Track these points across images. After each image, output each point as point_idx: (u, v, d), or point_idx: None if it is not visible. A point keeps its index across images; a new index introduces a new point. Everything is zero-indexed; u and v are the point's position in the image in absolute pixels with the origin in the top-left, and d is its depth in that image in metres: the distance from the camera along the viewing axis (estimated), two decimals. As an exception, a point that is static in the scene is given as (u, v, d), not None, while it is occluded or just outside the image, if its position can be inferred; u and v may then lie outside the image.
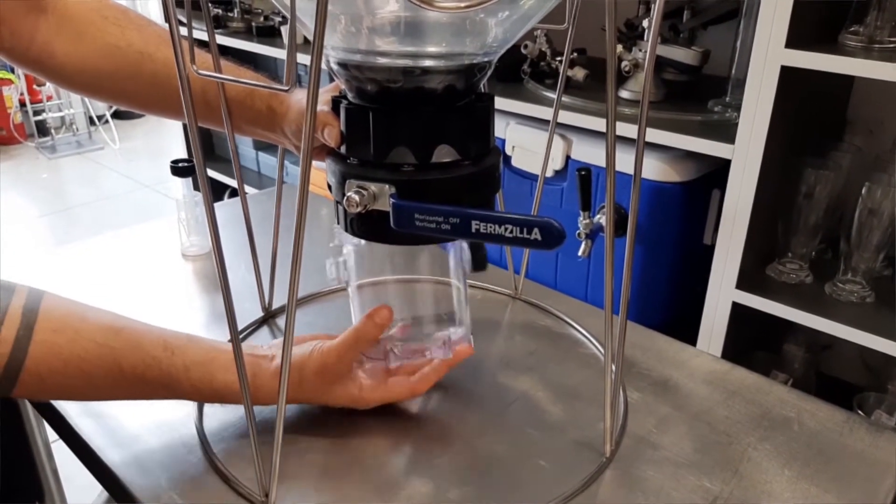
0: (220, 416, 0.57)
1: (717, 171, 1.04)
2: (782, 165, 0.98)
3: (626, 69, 1.15)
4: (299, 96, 0.58)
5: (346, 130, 0.50)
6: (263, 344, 0.58)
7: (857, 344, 0.92)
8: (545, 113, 1.15)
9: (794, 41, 0.87)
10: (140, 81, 0.60)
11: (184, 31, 0.42)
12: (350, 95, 0.50)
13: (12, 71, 3.44)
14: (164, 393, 0.51)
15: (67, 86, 0.62)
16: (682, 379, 0.64)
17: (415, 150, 0.48)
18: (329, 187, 0.52)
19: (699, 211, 1.10)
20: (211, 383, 0.51)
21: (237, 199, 0.69)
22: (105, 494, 0.82)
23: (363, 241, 0.58)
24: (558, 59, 1.28)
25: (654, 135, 1.02)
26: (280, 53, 1.68)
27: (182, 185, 0.84)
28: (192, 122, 0.42)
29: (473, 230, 0.45)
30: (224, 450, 0.53)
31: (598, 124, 1.09)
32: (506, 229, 0.44)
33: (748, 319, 1.03)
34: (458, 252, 0.58)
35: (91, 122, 3.69)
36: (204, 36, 0.53)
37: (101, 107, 3.70)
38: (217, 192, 2.13)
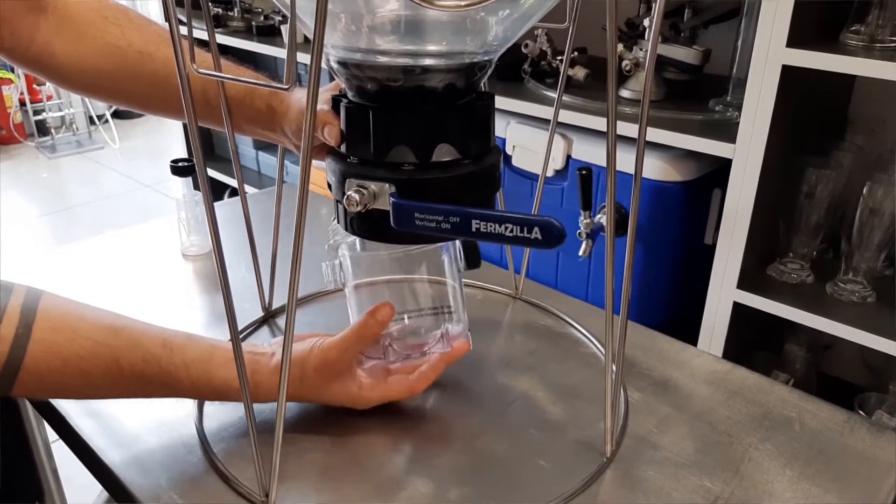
0: (220, 416, 0.57)
1: (718, 171, 1.04)
2: (783, 165, 0.98)
3: (627, 68, 1.14)
4: (299, 95, 0.58)
5: (346, 129, 0.50)
6: (264, 343, 0.58)
7: (859, 344, 0.92)
8: (546, 112, 1.15)
9: (795, 40, 0.86)
10: (140, 81, 0.60)
11: (184, 30, 0.42)
12: (350, 94, 0.50)
13: (12, 70, 3.44)
14: (164, 391, 0.51)
15: (67, 86, 0.62)
16: (682, 379, 0.63)
17: (415, 149, 0.47)
18: (329, 186, 0.52)
19: (700, 210, 1.10)
20: (210, 381, 0.51)
21: (237, 199, 0.69)
22: (105, 494, 0.82)
23: (358, 244, 0.58)
24: (559, 58, 1.28)
25: (654, 134, 1.02)
26: (280, 52, 1.68)
27: (182, 184, 0.84)
28: (193, 121, 0.42)
29: (474, 229, 0.45)
30: (224, 450, 0.53)
31: (599, 123, 1.09)
32: (506, 228, 0.44)
33: (749, 319, 1.03)
34: (452, 250, 0.58)
35: (91, 121, 3.69)
36: (204, 35, 0.53)
37: (100, 106, 3.70)
38: (217, 191, 2.12)
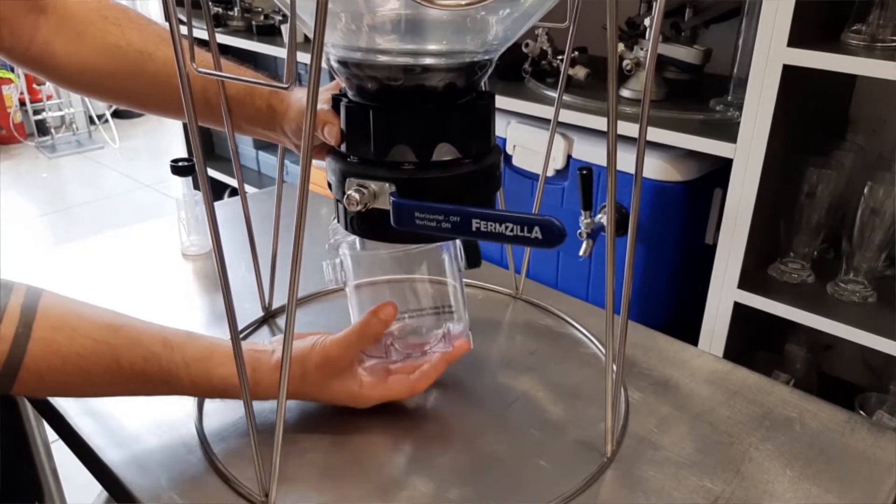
0: (220, 416, 0.57)
1: (718, 171, 1.04)
2: (784, 164, 0.98)
3: (628, 68, 1.14)
4: (299, 95, 0.58)
5: (346, 129, 0.49)
6: (264, 342, 0.57)
7: (859, 344, 0.92)
8: (546, 112, 1.15)
9: (796, 40, 0.86)
10: (140, 81, 0.60)
11: (184, 29, 0.42)
12: (350, 93, 0.50)
13: (12, 70, 3.44)
14: (164, 389, 0.51)
15: (67, 85, 0.62)
16: (683, 379, 0.63)
17: (415, 149, 0.47)
18: (329, 186, 0.52)
19: (701, 210, 1.10)
20: (210, 379, 0.51)
21: (237, 199, 0.69)
22: (105, 494, 0.82)
23: (358, 243, 0.58)
24: (559, 57, 1.28)
25: (655, 134, 1.02)
26: (280, 52, 1.68)
27: (182, 184, 0.84)
28: (193, 121, 0.42)
29: (474, 229, 0.45)
30: (224, 450, 0.53)
31: (600, 123, 1.09)
32: (506, 228, 0.44)
33: (750, 319, 1.03)
34: (452, 249, 0.58)
35: (91, 121, 3.69)
36: (204, 35, 0.53)
37: (100, 106, 3.69)
38: (217, 191, 2.12)
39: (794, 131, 0.97)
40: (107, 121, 3.69)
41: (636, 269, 1.04)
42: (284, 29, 1.73)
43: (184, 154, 2.20)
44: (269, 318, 0.71)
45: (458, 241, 0.59)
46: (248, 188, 0.81)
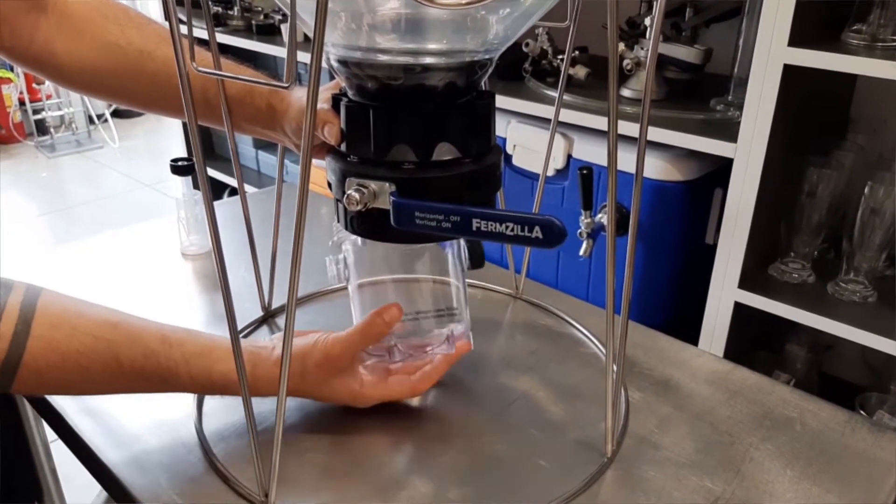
0: (220, 416, 0.57)
1: (719, 170, 1.03)
2: (785, 164, 0.98)
3: (628, 67, 1.14)
4: (299, 94, 0.58)
5: (346, 128, 0.49)
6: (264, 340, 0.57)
7: (860, 344, 0.92)
8: (546, 111, 1.15)
9: (796, 39, 0.86)
10: (140, 80, 0.60)
11: (184, 29, 0.42)
12: (350, 93, 0.50)
13: (12, 69, 3.43)
14: (163, 386, 0.51)
15: (67, 84, 0.62)
16: (683, 379, 0.63)
17: (415, 148, 0.47)
18: (329, 185, 0.51)
19: (701, 210, 1.10)
20: (210, 375, 0.51)
21: (237, 198, 0.69)
22: (104, 494, 0.82)
23: (361, 240, 0.57)
24: (560, 57, 1.27)
25: (655, 133, 1.02)
26: (280, 52, 1.67)
27: (182, 183, 0.84)
28: (193, 120, 0.42)
29: (474, 228, 0.45)
30: (224, 450, 0.53)
31: (600, 123, 1.09)
32: (507, 227, 0.44)
33: (750, 319, 1.03)
34: (456, 249, 0.58)
35: (90, 120, 3.69)
36: (204, 34, 0.53)
37: (100, 105, 3.69)
38: (217, 190, 2.12)
39: (795, 131, 0.97)
40: (106, 120, 3.69)
41: (636, 268, 1.04)
42: (284, 28, 1.73)
43: (183, 154, 2.20)
44: (268, 317, 0.71)
45: (461, 241, 0.59)
46: (248, 188, 0.81)
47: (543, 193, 0.72)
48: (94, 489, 0.75)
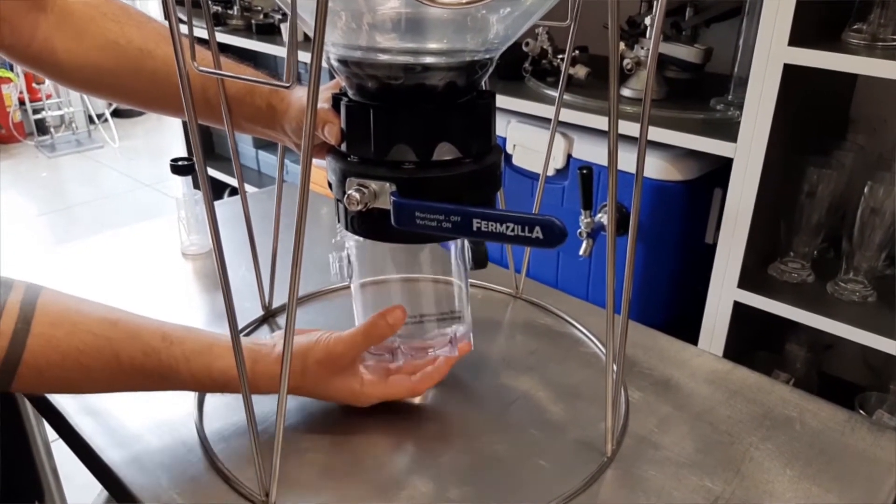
0: (220, 415, 0.57)
1: (719, 170, 1.03)
2: (784, 164, 0.98)
3: (628, 67, 1.14)
4: (300, 94, 0.57)
5: (346, 128, 0.49)
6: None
7: (859, 343, 0.92)
8: (546, 111, 1.15)
9: (796, 39, 0.86)
10: (140, 78, 0.60)
11: (184, 28, 0.42)
12: (350, 93, 0.50)
13: (12, 69, 3.44)
14: (163, 384, 0.51)
15: (67, 83, 0.62)
16: (683, 378, 0.63)
17: (416, 148, 0.47)
18: (329, 185, 0.51)
19: (701, 210, 1.10)
20: (210, 372, 0.51)
21: (237, 198, 0.69)
22: (105, 494, 0.82)
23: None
24: (560, 56, 1.27)
25: (655, 133, 1.02)
26: (279, 51, 1.67)
27: (182, 183, 0.84)
28: (192, 120, 0.42)
29: (475, 228, 0.45)
30: (224, 449, 0.53)
31: (600, 123, 1.09)
32: (507, 227, 0.44)
33: (750, 319, 1.03)
34: (458, 250, 0.58)
35: (90, 120, 3.69)
36: (204, 34, 0.53)
37: (100, 105, 3.69)
38: (217, 190, 2.12)
39: (795, 131, 0.97)
40: (106, 120, 3.69)
41: (636, 268, 1.04)
42: (284, 28, 1.73)
43: (183, 153, 2.20)
44: (269, 317, 0.71)
45: (465, 242, 0.59)
46: (248, 187, 0.81)
47: (543, 193, 0.72)
48: (95, 489, 0.75)
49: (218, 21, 1.84)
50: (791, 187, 0.99)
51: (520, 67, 1.29)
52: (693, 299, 1.09)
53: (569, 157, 1.14)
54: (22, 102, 3.46)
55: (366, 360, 0.57)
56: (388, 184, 0.47)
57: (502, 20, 0.47)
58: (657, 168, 1.03)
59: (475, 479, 0.51)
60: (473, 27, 0.47)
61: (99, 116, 3.69)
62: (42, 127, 3.54)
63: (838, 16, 0.93)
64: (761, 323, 1.03)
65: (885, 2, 0.90)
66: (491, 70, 0.50)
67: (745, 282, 1.00)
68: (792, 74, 0.88)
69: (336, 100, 0.50)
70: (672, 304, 1.15)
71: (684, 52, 1.15)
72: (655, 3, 1.00)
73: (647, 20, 1.14)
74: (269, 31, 1.79)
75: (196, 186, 0.79)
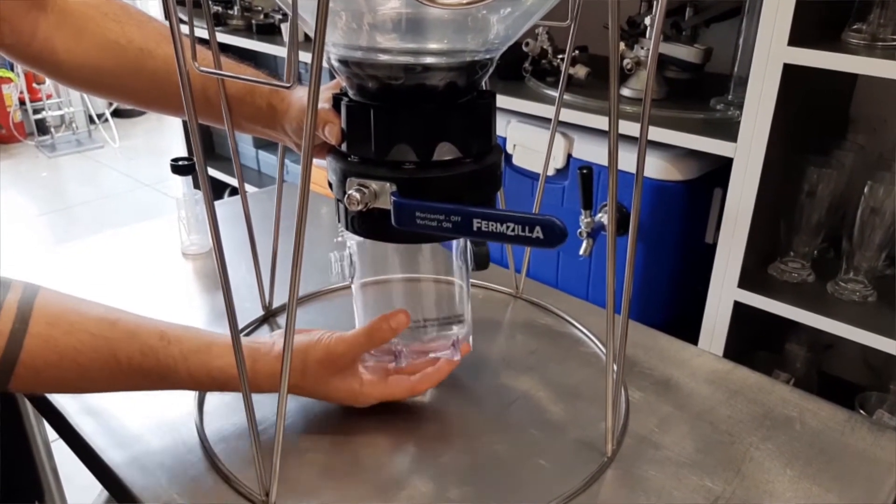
0: (221, 415, 0.57)
1: (719, 170, 1.03)
2: (784, 164, 0.98)
3: (629, 67, 1.14)
4: (300, 93, 0.57)
5: (346, 128, 0.49)
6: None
7: (859, 343, 0.92)
8: (547, 111, 1.15)
9: (796, 39, 0.86)
10: (140, 78, 0.60)
11: (185, 28, 0.42)
12: (351, 93, 0.50)
13: (12, 69, 3.44)
14: (161, 383, 0.51)
15: (68, 82, 0.62)
16: (683, 378, 0.63)
17: (416, 148, 0.47)
18: (330, 185, 0.51)
19: (701, 210, 1.10)
20: (209, 370, 0.51)
21: (237, 198, 0.69)
22: (105, 494, 0.82)
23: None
24: (560, 56, 1.27)
25: (655, 133, 1.02)
26: (280, 51, 1.67)
27: (182, 183, 0.84)
28: (193, 119, 0.42)
29: (475, 228, 0.45)
30: (224, 449, 0.53)
31: (600, 122, 1.09)
32: (507, 227, 0.44)
33: (750, 319, 1.03)
34: (460, 250, 0.58)
35: (91, 120, 3.69)
36: (204, 34, 0.53)
37: (100, 105, 3.69)
38: (217, 190, 2.12)
39: (795, 130, 0.97)
40: (107, 120, 3.69)
41: (636, 268, 1.04)
42: (284, 28, 1.73)
43: (184, 153, 2.20)
44: (269, 317, 0.71)
45: (468, 243, 0.59)
46: (249, 187, 0.81)
47: (543, 193, 0.72)
48: (96, 489, 0.75)
49: (218, 21, 1.84)
50: (791, 187, 0.99)
51: (520, 67, 1.29)
52: (693, 299, 1.09)
53: (569, 156, 1.14)
54: (22, 102, 3.46)
55: (365, 360, 0.57)
56: (388, 184, 0.47)
57: (502, 20, 0.47)
58: (657, 168, 1.03)
59: (475, 479, 0.51)
60: (474, 27, 0.47)
61: (99, 116, 3.69)
62: (42, 127, 3.54)
63: (838, 16, 0.93)
64: (761, 323, 1.03)
65: (884, 2, 0.90)
66: (491, 70, 0.50)
67: (745, 282, 1.00)
68: (792, 74, 0.88)
69: (336, 100, 0.50)
70: (672, 304, 1.15)
71: (684, 52, 1.15)
72: (655, 3, 1.00)
73: (647, 20, 1.14)
74: (269, 31, 1.79)
75: (196, 186, 0.79)
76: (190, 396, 0.58)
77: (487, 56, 0.49)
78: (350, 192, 0.47)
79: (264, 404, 0.55)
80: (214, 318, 0.72)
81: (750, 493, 0.50)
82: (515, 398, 0.60)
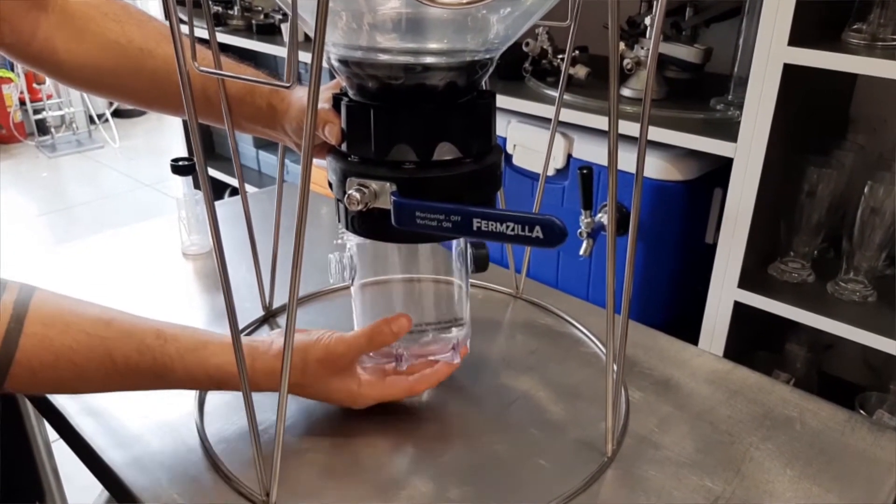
0: (221, 415, 0.57)
1: (719, 170, 1.03)
2: (784, 164, 0.98)
3: (629, 67, 1.14)
4: (300, 93, 0.57)
5: (346, 128, 0.49)
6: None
7: (859, 343, 0.92)
8: (547, 111, 1.15)
9: (796, 39, 0.86)
10: (140, 78, 0.60)
11: (185, 28, 0.42)
12: (351, 93, 0.50)
13: (12, 69, 3.44)
14: (158, 382, 0.51)
15: (68, 82, 0.62)
16: (683, 378, 0.63)
17: (416, 148, 0.47)
18: (330, 185, 0.52)
19: (701, 210, 1.10)
20: (206, 369, 0.50)
21: (237, 198, 0.69)
22: (106, 494, 0.82)
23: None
24: (560, 56, 1.27)
25: (656, 133, 1.02)
26: (280, 51, 1.67)
27: (182, 183, 0.84)
28: (193, 119, 0.42)
29: (475, 228, 0.45)
30: (225, 449, 0.53)
31: (600, 122, 1.09)
32: (507, 227, 0.44)
33: (750, 319, 1.03)
34: (459, 252, 0.58)
35: (91, 120, 3.69)
36: (204, 34, 0.53)
37: (101, 105, 3.69)
38: (217, 190, 2.12)
39: (795, 130, 0.97)
40: (107, 120, 3.69)
41: (636, 268, 1.04)
42: (284, 28, 1.73)
43: (184, 153, 2.20)
44: (269, 317, 0.71)
45: (467, 244, 0.59)
46: (249, 187, 0.81)
47: (543, 193, 0.72)
48: (96, 489, 0.75)
49: (218, 21, 1.85)
50: (791, 187, 0.99)
51: (520, 67, 1.29)
52: (693, 299, 1.09)
53: (569, 156, 1.14)
54: (22, 102, 3.46)
55: (364, 362, 0.57)
56: (388, 184, 0.47)
57: (502, 20, 0.47)
58: (657, 168, 1.03)
59: (475, 479, 0.51)
60: (474, 27, 0.47)
61: (99, 116, 3.69)
62: (42, 127, 3.54)
63: (838, 16, 0.93)
64: (761, 323, 1.03)
65: (884, 2, 0.90)
66: (491, 70, 0.50)
67: (746, 282, 1.00)
68: (792, 74, 0.88)
69: (336, 100, 0.50)
70: (672, 304, 1.15)
71: (684, 52, 1.15)
72: (655, 3, 1.00)
73: (647, 20, 1.14)
74: (269, 31, 1.79)
75: (196, 186, 0.79)
76: (190, 397, 0.58)
77: (487, 56, 0.49)
78: (350, 192, 0.47)
79: (264, 405, 0.55)
80: (214, 319, 0.72)
81: (750, 493, 0.50)
82: (515, 398, 0.60)
